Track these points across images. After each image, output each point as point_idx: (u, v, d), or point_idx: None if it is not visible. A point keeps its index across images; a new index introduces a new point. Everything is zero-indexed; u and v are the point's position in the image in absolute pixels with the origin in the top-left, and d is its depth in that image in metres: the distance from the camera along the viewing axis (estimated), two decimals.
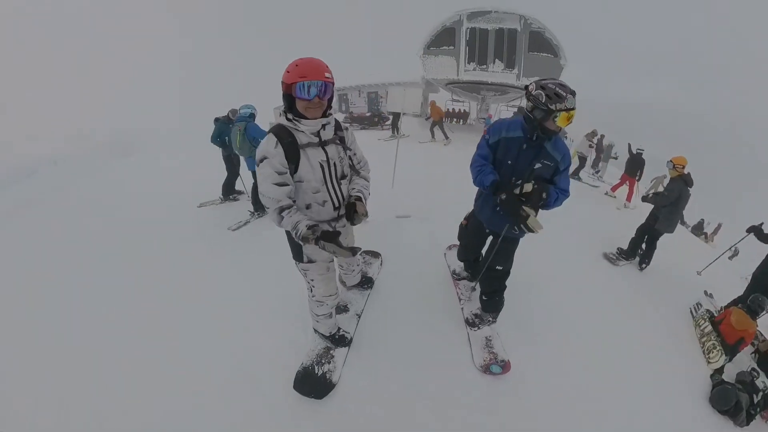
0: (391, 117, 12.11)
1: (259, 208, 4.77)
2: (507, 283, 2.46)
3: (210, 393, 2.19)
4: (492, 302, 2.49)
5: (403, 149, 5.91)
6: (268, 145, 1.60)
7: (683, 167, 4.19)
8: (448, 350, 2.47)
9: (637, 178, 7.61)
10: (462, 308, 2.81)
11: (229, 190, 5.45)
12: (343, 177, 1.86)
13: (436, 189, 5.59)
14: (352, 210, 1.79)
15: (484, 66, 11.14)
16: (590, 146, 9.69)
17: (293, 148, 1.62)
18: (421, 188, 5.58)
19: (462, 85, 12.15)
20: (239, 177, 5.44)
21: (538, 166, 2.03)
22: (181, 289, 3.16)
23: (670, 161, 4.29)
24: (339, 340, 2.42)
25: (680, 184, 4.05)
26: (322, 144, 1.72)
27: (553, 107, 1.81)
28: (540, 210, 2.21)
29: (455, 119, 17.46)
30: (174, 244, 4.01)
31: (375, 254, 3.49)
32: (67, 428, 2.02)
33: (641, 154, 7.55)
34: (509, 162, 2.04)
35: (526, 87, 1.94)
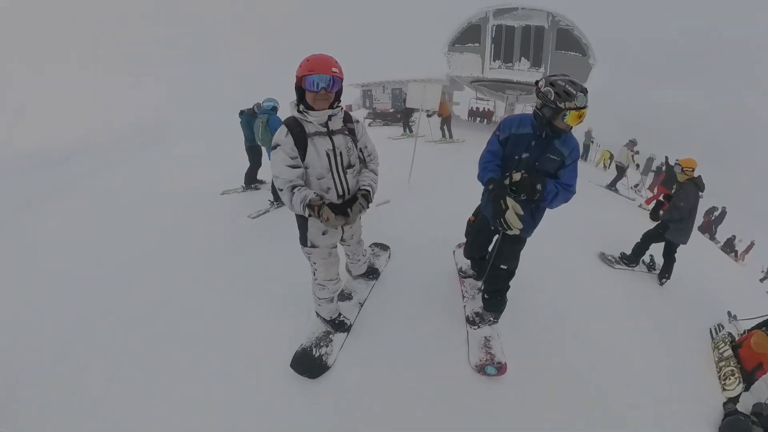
0: (413, 114, 11.82)
1: (278, 198, 4.87)
2: (512, 283, 2.39)
3: (215, 367, 2.28)
4: (494, 302, 2.42)
5: (410, 147, 5.83)
6: (281, 134, 1.77)
7: (693, 170, 3.80)
8: (445, 346, 2.43)
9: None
10: (464, 306, 2.76)
11: (251, 180, 5.61)
12: (350, 167, 1.92)
13: (448, 187, 5.50)
14: (354, 205, 1.86)
15: (510, 64, 10.70)
16: (632, 156, 9.12)
17: (302, 137, 1.75)
18: (433, 186, 5.51)
19: (487, 83, 11.78)
20: (262, 167, 5.59)
21: (525, 155, 1.96)
22: (197, 271, 3.29)
23: (678, 164, 3.90)
24: (338, 325, 2.47)
25: (693, 190, 3.66)
26: (330, 134, 1.81)
27: (562, 105, 1.73)
28: (547, 210, 2.12)
29: (479, 118, 17.06)
30: (195, 229, 4.17)
31: (384, 247, 3.50)
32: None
33: None
34: (516, 158, 1.99)
35: (536, 83, 1.86)
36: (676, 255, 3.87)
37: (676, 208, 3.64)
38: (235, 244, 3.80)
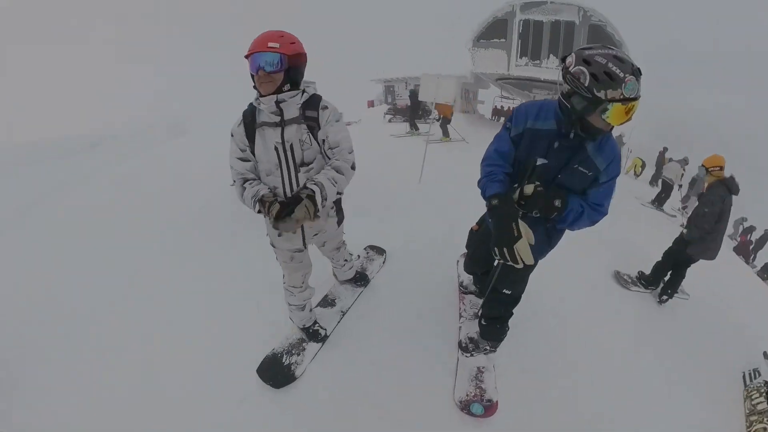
0: (421, 110, 10.80)
1: None
2: (516, 309, 1.98)
3: (183, 364, 2.09)
4: (491, 330, 2.02)
5: (414, 145, 5.40)
6: (235, 124, 1.63)
7: (721, 168, 3.12)
8: (430, 373, 2.08)
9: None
10: (460, 327, 2.39)
11: None
12: (304, 164, 1.56)
13: (461, 189, 5.09)
14: (290, 208, 1.43)
15: (538, 61, 9.95)
16: (682, 174, 8.27)
17: (251, 127, 1.57)
18: (445, 187, 5.08)
19: (513, 81, 11.08)
20: None
21: (541, 162, 1.38)
22: (192, 258, 3.07)
23: (702, 166, 3.23)
24: (312, 334, 2.20)
25: (722, 192, 2.99)
26: (283, 124, 1.49)
27: (601, 95, 1.15)
28: (568, 230, 1.70)
29: (502, 117, 16.31)
30: (200, 218, 3.91)
31: (380, 251, 3.14)
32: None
33: None
34: (533, 162, 1.46)
35: (563, 59, 1.29)
36: (687, 270, 3.25)
37: (700, 216, 2.98)
38: (234, 234, 3.50)
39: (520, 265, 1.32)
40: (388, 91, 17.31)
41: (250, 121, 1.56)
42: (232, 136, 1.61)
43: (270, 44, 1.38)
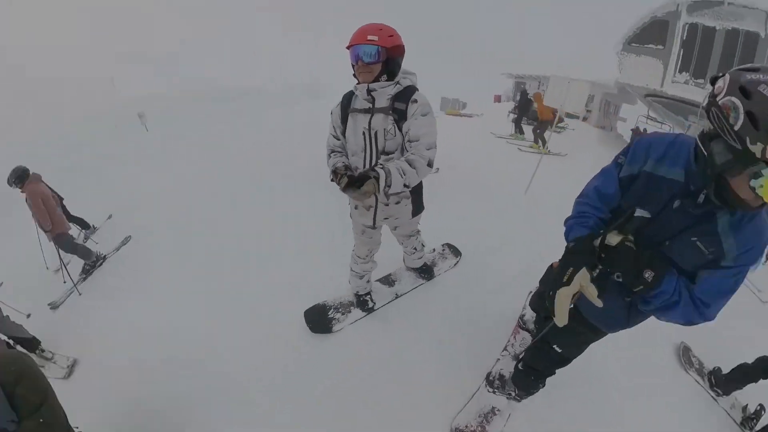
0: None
1: None
2: (560, 370, 1.72)
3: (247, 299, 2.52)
4: (524, 378, 1.82)
5: (511, 150, 4.78)
6: (334, 105, 1.75)
7: None
8: (445, 388, 2.04)
9: None
10: (498, 359, 2.23)
11: None
12: (385, 153, 1.62)
13: (562, 216, 4.42)
14: (358, 182, 1.41)
15: (701, 80, 7.09)
16: None
17: (345, 111, 1.68)
18: (553, 206, 4.50)
19: (665, 100, 8.28)
20: None
21: (640, 214, 1.03)
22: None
23: None
24: (361, 302, 2.41)
25: None
26: (373, 111, 1.58)
27: (755, 149, 0.73)
28: (649, 310, 1.23)
29: None
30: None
31: (456, 252, 3.01)
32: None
33: None
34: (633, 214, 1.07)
35: (712, 81, 0.86)
36: None
37: None
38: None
39: (557, 320, 1.03)
40: (517, 87, 15.61)
41: (345, 105, 1.68)
42: (331, 114, 1.75)
43: (369, 37, 1.43)
